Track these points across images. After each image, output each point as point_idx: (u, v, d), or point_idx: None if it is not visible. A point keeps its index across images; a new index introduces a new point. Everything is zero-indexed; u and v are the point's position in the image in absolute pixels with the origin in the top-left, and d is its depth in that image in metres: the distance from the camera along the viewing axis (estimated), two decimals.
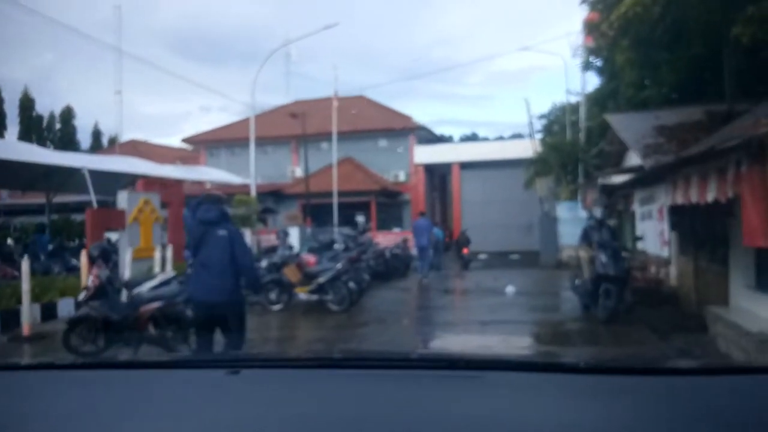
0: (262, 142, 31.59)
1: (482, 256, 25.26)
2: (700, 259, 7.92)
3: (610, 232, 8.41)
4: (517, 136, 29.27)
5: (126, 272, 11.58)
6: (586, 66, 16.86)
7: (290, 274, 10.45)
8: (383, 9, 76.87)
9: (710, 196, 5.62)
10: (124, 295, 7.43)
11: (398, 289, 14.58)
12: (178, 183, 14.52)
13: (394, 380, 1.36)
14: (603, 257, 7.82)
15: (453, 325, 9.81)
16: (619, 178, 11.65)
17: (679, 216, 7.56)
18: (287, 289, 10.44)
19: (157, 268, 10.24)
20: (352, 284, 10.39)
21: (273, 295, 10.22)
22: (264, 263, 10.77)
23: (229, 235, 5.59)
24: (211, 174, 19.61)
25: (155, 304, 7.24)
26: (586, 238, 8.39)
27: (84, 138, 41.43)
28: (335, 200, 23.71)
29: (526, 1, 73.87)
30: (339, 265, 10.48)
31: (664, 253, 7.66)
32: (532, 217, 26.43)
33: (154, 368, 1.64)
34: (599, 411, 1.14)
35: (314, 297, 10.28)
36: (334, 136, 23.79)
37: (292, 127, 28.38)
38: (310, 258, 11.62)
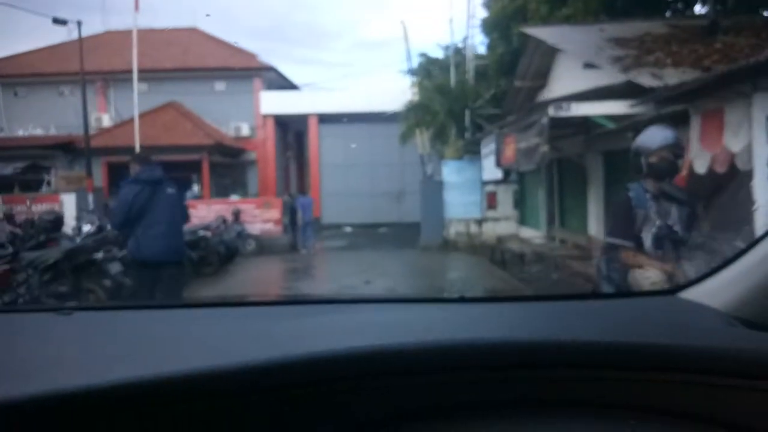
0: (55, 80, 23.91)
1: (347, 230, 20.75)
2: None
3: (691, 213, 3.15)
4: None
5: None
6: None
7: None
8: None
9: None
10: None
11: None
12: None
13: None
14: None
15: None
16: (606, 106, 6.58)
17: None
18: None
19: None
20: None
21: None
22: None
23: (177, 193, 5.77)
24: None
25: None
26: (623, 227, 3.00)
27: None
28: None
29: None
30: None
31: None
32: (404, 183, 22.30)
33: None
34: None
35: None
36: (135, 71, 16.94)
37: (99, 62, 21.49)
38: None
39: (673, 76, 6.18)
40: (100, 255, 6.65)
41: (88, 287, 6.25)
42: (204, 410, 0.94)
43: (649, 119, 5.36)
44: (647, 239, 2.94)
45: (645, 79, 6.13)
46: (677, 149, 3.05)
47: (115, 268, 6.57)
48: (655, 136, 3.08)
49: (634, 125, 5.92)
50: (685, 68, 6.49)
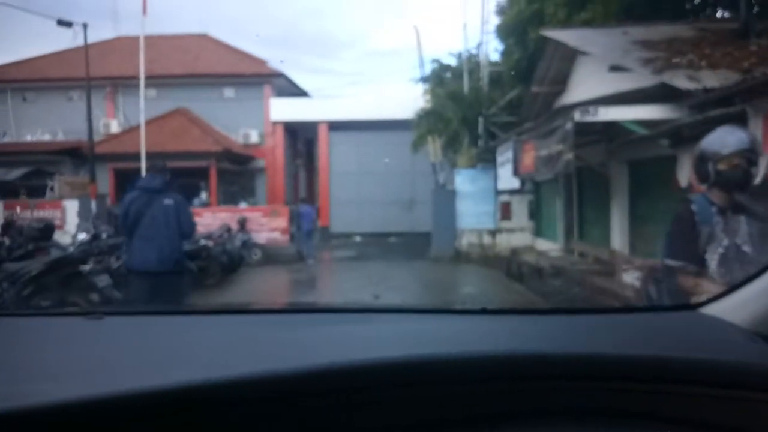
0: (64, 85, 23.73)
1: (357, 239, 20.45)
2: None
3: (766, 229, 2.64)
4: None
5: None
6: None
7: None
8: None
9: None
10: None
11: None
12: None
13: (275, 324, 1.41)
14: None
15: None
16: (637, 110, 6.03)
17: None
18: None
19: None
20: None
21: None
22: None
23: (175, 204, 5.61)
24: None
25: None
26: (684, 246, 2.46)
27: None
28: (143, 164, 16.77)
29: None
30: None
31: None
32: (415, 192, 21.84)
33: (18, 317, 1.68)
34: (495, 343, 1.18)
35: None
36: (142, 77, 16.59)
37: (108, 67, 21.48)
38: None
39: (711, 78, 5.67)
40: (87, 266, 6.21)
41: (72, 301, 5.82)
42: (215, 420, 0.93)
43: (689, 123, 4.83)
44: (712, 260, 2.42)
45: (680, 81, 5.61)
46: (752, 155, 2.44)
47: (103, 281, 6.12)
48: (726, 139, 2.49)
49: (672, 131, 5.38)
50: (722, 70, 5.98)
